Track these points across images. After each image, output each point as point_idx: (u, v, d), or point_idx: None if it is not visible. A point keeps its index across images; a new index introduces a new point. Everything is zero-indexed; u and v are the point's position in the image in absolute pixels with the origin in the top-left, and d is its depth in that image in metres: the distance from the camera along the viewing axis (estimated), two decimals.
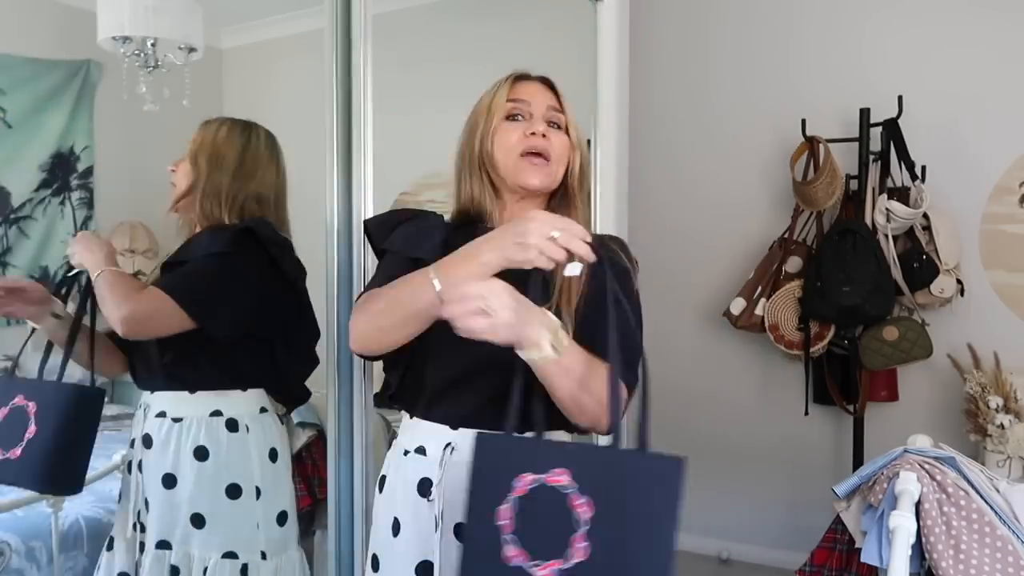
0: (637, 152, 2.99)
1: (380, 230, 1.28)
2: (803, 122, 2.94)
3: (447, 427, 1.17)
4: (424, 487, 1.16)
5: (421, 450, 1.19)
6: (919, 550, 1.60)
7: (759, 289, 3.04)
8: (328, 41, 1.59)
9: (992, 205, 2.88)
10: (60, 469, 1.48)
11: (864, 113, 2.86)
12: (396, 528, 1.20)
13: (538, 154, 1.20)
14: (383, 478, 1.26)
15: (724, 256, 3.34)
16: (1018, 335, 2.82)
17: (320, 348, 1.64)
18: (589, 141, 2.48)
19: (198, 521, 1.52)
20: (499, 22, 3.58)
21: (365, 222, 1.34)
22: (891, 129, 2.81)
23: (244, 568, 1.54)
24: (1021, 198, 2.84)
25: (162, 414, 1.56)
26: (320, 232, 1.60)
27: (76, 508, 2.09)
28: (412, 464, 1.19)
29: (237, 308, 1.49)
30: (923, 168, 2.80)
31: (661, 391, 3.79)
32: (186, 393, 1.55)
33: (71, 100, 3.83)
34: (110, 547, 1.62)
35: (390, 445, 2.96)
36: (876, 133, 2.87)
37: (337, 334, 1.58)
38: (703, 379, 3.40)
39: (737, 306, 3.08)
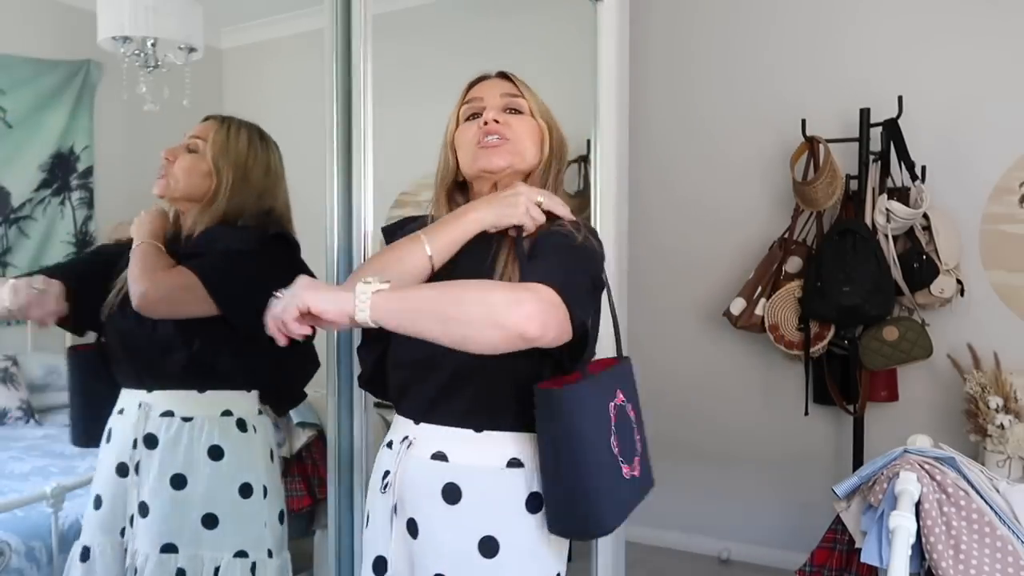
0: (637, 152, 2.99)
1: (391, 236, 1.30)
2: (803, 122, 2.94)
3: (411, 421, 1.18)
4: (385, 481, 1.19)
5: (390, 444, 1.21)
6: (919, 550, 1.60)
7: (759, 289, 3.04)
8: (328, 41, 1.59)
9: (992, 205, 2.88)
10: (73, 422, 1.59)
11: (864, 113, 2.86)
12: (367, 522, 1.25)
13: (494, 137, 1.19)
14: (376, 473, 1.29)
15: (724, 256, 3.34)
16: (1018, 335, 2.82)
17: (320, 348, 1.64)
18: (589, 141, 2.48)
19: (210, 521, 1.51)
20: (499, 22, 3.58)
21: (382, 228, 1.36)
22: (891, 129, 2.81)
23: (253, 567, 1.53)
24: (1021, 198, 2.84)
25: (168, 413, 1.52)
26: (320, 232, 1.60)
27: (76, 508, 2.09)
28: (383, 457, 1.23)
29: (262, 305, 1.49)
30: (923, 168, 2.81)
31: (661, 390, 3.80)
32: (195, 392, 1.52)
33: (71, 100, 3.83)
34: (85, 557, 1.54)
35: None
36: (876, 133, 2.87)
37: (337, 335, 1.58)
38: (703, 379, 3.40)
39: (737, 306, 3.08)
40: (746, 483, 3.33)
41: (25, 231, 3.67)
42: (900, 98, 2.80)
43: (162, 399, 1.52)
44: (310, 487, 2.61)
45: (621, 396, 1.12)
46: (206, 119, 1.63)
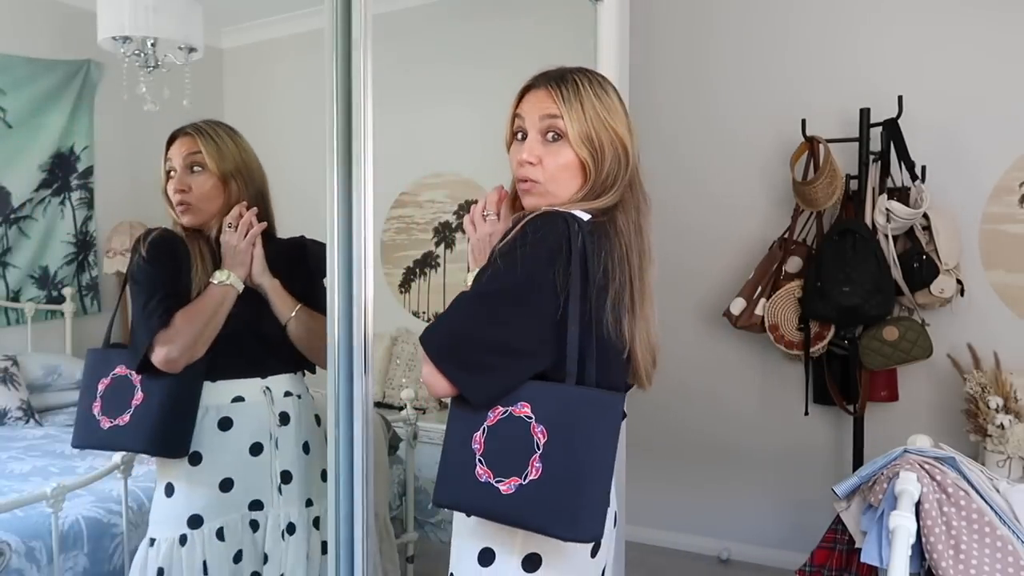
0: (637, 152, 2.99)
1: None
2: (803, 122, 2.95)
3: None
4: None
5: None
6: (919, 550, 1.60)
7: (759, 289, 3.04)
8: (328, 41, 1.58)
9: (992, 205, 2.88)
10: (169, 432, 1.58)
11: (864, 113, 2.86)
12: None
13: (525, 180, 1.22)
14: None
15: (724, 256, 3.34)
16: (1018, 335, 2.82)
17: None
18: None
19: (324, 476, 1.65)
20: (499, 22, 3.59)
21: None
22: (891, 129, 2.81)
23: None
24: (1021, 198, 2.84)
25: (288, 393, 1.74)
26: (320, 232, 1.60)
27: (76, 508, 2.09)
28: None
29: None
30: (923, 168, 2.81)
31: (661, 390, 3.79)
32: (298, 374, 1.78)
33: (71, 100, 3.83)
34: (222, 536, 1.65)
35: (390, 445, 2.96)
36: (876, 133, 2.87)
37: (337, 334, 1.58)
38: (703, 379, 3.40)
39: (737, 306, 3.08)
40: (746, 483, 3.33)
41: (25, 231, 3.67)
42: (900, 98, 2.80)
43: (279, 383, 1.73)
44: None
45: (523, 410, 1.11)
46: (176, 137, 1.69)
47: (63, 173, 3.82)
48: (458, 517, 1.23)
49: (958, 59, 2.93)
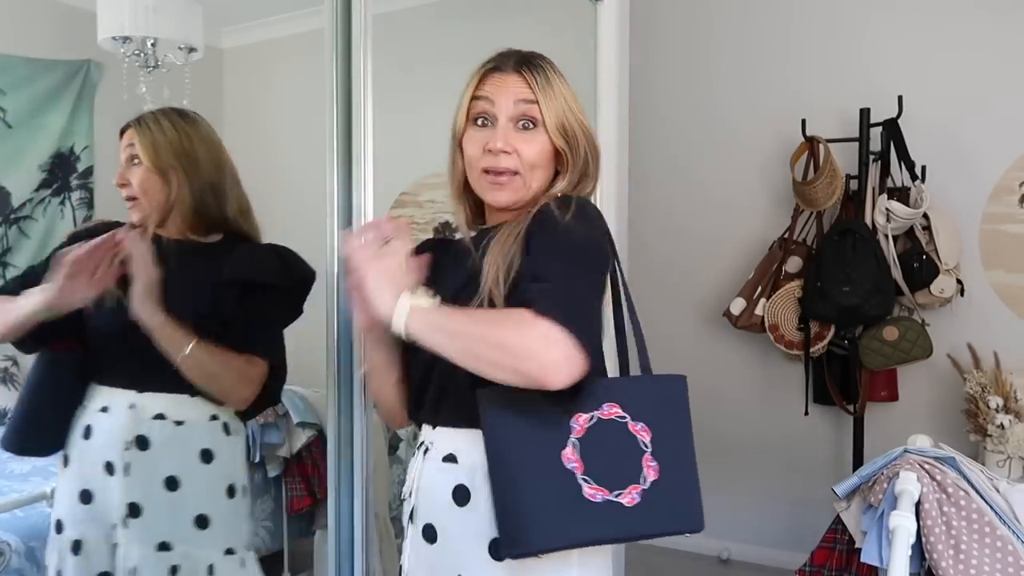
0: (637, 152, 2.99)
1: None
2: (803, 122, 2.95)
3: (428, 427, 1.16)
4: (408, 488, 1.18)
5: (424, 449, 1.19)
6: (919, 550, 1.60)
7: (759, 289, 3.04)
8: (328, 41, 1.58)
9: (992, 205, 2.88)
10: (18, 429, 1.52)
11: (864, 113, 2.86)
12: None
13: (500, 171, 1.10)
14: None
15: (724, 256, 3.34)
16: (1018, 335, 2.82)
17: (320, 348, 1.63)
18: None
19: (203, 522, 1.52)
20: (499, 22, 3.58)
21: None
22: (891, 129, 2.81)
23: (242, 562, 1.57)
24: (1021, 198, 2.84)
25: (161, 416, 1.51)
26: (320, 233, 1.60)
27: None
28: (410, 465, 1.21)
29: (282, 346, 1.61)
30: (923, 168, 2.81)
31: None
32: (187, 396, 1.51)
33: (71, 100, 3.83)
34: (77, 550, 1.52)
35: (390, 445, 2.96)
36: (876, 133, 2.87)
37: (337, 334, 1.58)
38: (703, 379, 3.38)
39: (737, 306, 3.08)
40: (746, 483, 3.33)
41: (25, 231, 3.67)
42: (900, 98, 2.80)
43: (155, 401, 1.51)
44: (310, 487, 2.61)
45: (613, 411, 0.98)
46: (123, 130, 1.57)
47: (63, 173, 3.82)
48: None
49: (958, 59, 2.93)
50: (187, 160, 1.51)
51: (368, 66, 1.57)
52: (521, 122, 1.11)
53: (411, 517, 1.14)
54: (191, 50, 2.89)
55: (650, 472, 0.97)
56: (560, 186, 1.13)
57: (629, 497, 0.94)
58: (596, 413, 0.97)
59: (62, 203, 3.82)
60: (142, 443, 1.50)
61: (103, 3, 2.73)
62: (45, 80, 3.71)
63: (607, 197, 2.48)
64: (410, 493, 1.16)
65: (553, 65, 1.16)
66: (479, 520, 1.06)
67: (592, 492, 0.94)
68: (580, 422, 0.96)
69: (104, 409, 1.53)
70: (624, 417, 0.97)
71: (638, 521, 0.95)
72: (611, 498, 0.94)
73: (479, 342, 0.96)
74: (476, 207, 1.20)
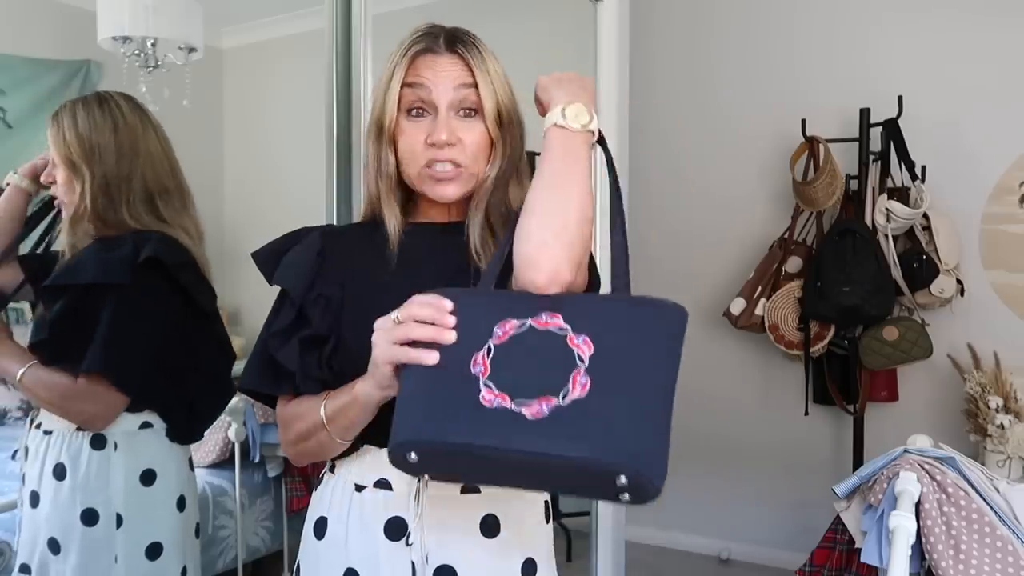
0: (637, 152, 2.99)
1: (267, 264, 1.06)
2: (803, 122, 2.94)
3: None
4: (394, 529, 0.97)
5: (383, 483, 0.99)
6: (919, 550, 1.60)
7: (759, 289, 3.04)
8: (328, 41, 1.59)
9: (992, 205, 2.88)
10: None
11: (864, 113, 2.86)
12: None
13: (446, 166, 0.99)
14: (322, 521, 1.03)
15: (724, 256, 3.34)
16: (1018, 335, 2.82)
17: None
18: None
19: (54, 546, 1.37)
20: (499, 22, 3.58)
21: (252, 255, 1.08)
22: (891, 129, 2.81)
23: None
24: (1021, 198, 2.84)
25: (39, 425, 1.42)
26: None
27: None
28: (372, 502, 0.99)
29: (145, 357, 1.34)
30: (923, 168, 2.81)
31: None
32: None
33: None
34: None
35: None
36: (876, 133, 2.87)
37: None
38: (703, 379, 3.40)
39: (737, 306, 3.08)
40: (746, 483, 3.33)
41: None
42: (900, 98, 2.80)
43: (58, 426, 1.40)
44: (310, 487, 2.61)
45: (552, 322, 0.82)
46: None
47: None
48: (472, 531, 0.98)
49: (958, 59, 2.93)
50: (92, 154, 1.37)
51: (368, 66, 1.58)
52: (461, 110, 1.00)
53: (420, 562, 0.95)
54: (191, 50, 2.89)
55: (576, 388, 0.78)
56: (491, 175, 1.02)
57: (536, 408, 0.77)
58: (530, 321, 0.82)
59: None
60: (25, 453, 1.44)
61: (103, 3, 2.74)
62: (45, 80, 3.71)
63: (606, 197, 2.48)
64: (407, 536, 0.96)
65: (480, 39, 1.06)
66: (512, 546, 1.00)
67: (490, 398, 0.79)
68: (506, 328, 0.83)
69: (37, 426, 1.46)
70: (564, 329, 0.81)
71: (534, 436, 0.76)
72: (509, 406, 0.78)
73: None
74: (403, 203, 1.06)
